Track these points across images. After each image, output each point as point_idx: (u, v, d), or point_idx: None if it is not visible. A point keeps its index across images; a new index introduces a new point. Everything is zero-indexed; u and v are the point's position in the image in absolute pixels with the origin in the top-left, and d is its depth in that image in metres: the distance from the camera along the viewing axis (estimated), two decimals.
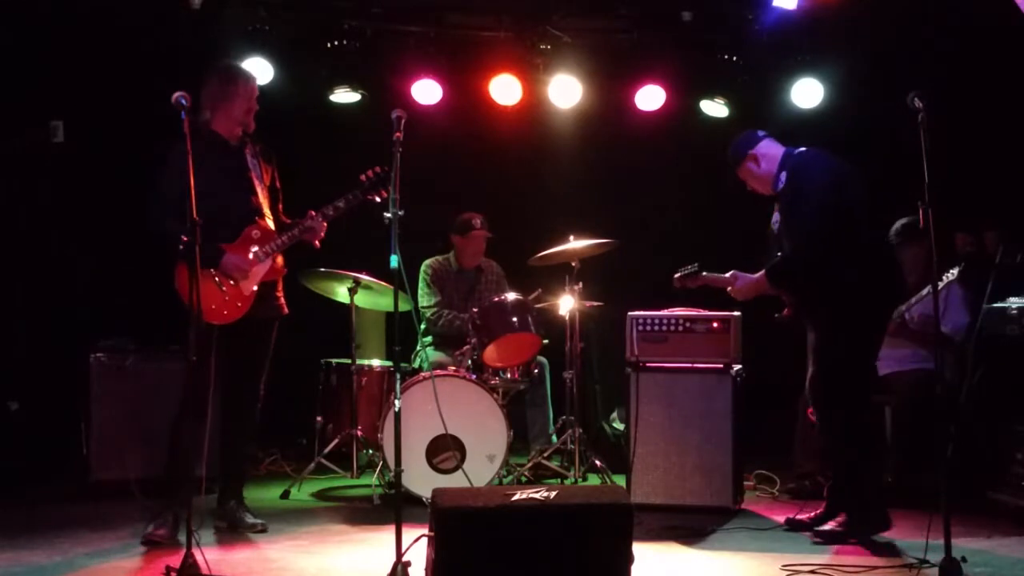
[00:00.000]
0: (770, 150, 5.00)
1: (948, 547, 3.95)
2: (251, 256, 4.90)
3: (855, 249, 4.73)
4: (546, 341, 5.95)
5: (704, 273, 5.07)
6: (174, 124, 4.29)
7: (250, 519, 5.01)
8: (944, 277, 5.60)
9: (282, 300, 5.13)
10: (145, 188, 4.88)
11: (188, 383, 4.75)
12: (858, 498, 4.78)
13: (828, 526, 4.82)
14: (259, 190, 5.02)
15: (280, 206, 5.21)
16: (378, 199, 4.98)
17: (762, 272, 4.92)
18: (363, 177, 4.97)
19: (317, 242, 5.08)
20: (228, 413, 5.06)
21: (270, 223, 5.02)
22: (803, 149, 4.96)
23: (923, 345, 5.86)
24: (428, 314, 6.56)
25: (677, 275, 5.12)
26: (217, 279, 4.83)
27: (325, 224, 5.03)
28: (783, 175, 4.90)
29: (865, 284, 4.73)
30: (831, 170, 4.84)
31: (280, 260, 5.05)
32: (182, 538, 4.68)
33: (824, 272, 4.74)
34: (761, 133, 5.07)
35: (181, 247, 4.38)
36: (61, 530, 4.93)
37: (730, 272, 5.05)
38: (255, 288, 4.91)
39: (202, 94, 4.91)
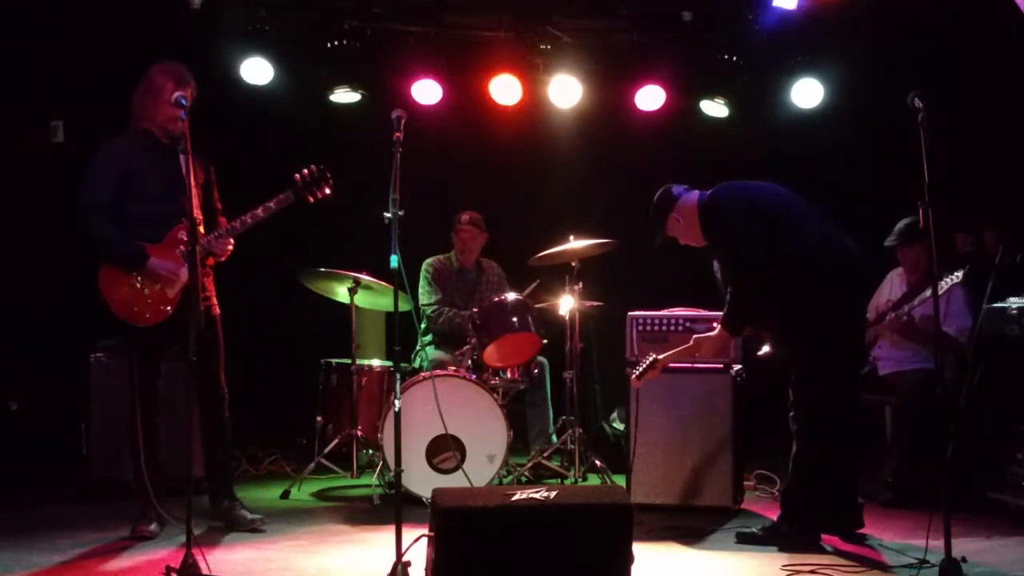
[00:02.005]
0: (688, 203, 4.92)
1: (948, 547, 3.94)
2: (178, 258, 4.83)
3: (791, 263, 4.61)
4: (545, 341, 5.94)
5: (661, 357, 4.93)
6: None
7: (248, 515, 5.00)
8: (948, 280, 5.60)
9: (213, 300, 5.02)
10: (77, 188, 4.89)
11: (133, 384, 4.80)
12: (796, 502, 4.72)
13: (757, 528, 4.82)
14: (191, 190, 4.96)
15: (218, 205, 5.13)
16: (311, 199, 4.94)
17: (719, 326, 4.85)
18: (297, 176, 4.94)
19: (223, 257, 4.97)
20: (200, 415, 5.05)
21: (198, 224, 4.96)
22: (708, 192, 4.90)
23: (927, 345, 5.85)
24: (429, 312, 6.57)
25: (634, 375, 4.97)
26: (139, 281, 4.80)
27: (231, 241, 4.93)
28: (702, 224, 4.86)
29: (815, 296, 4.61)
30: (736, 198, 4.80)
31: (210, 261, 5.00)
32: (172, 535, 4.72)
33: (772, 300, 4.68)
34: (677, 190, 4.98)
35: (182, 247, 4.38)
36: (61, 530, 4.93)
37: (692, 339, 4.94)
38: (179, 291, 4.83)
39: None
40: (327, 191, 4.97)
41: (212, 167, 5.11)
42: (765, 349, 5.32)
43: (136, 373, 4.85)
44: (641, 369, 4.94)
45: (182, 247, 4.83)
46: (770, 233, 4.65)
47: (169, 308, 4.82)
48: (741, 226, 4.68)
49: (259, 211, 4.90)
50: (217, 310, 5.04)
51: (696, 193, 4.94)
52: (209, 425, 5.04)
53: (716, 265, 4.98)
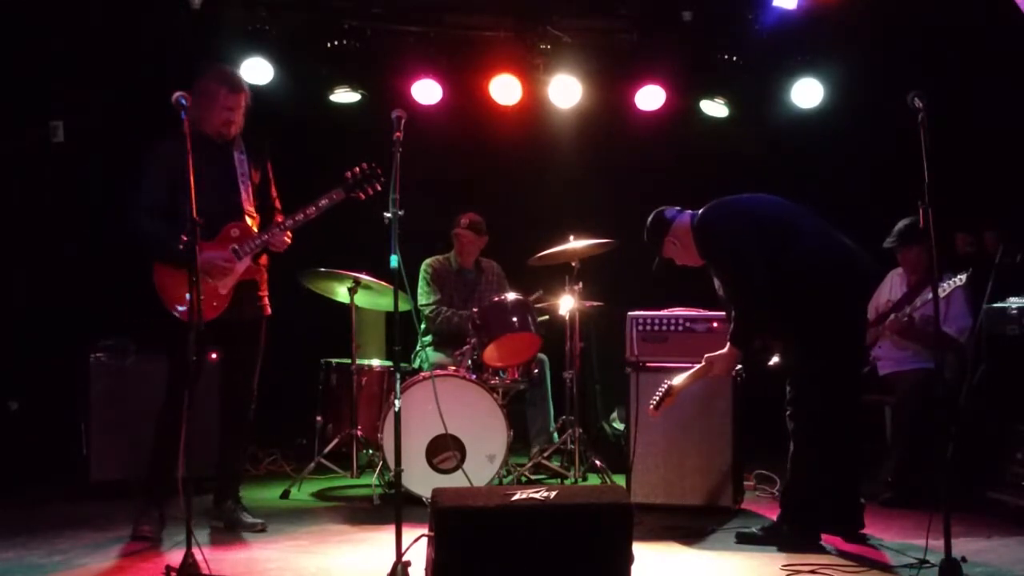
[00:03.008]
0: (682, 226, 4.92)
1: (948, 547, 3.94)
2: (230, 254, 4.86)
3: (791, 270, 4.61)
4: (543, 336, 5.93)
5: (676, 384, 4.89)
6: (174, 124, 4.31)
7: (249, 519, 5.01)
8: (952, 282, 5.59)
9: (265, 300, 5.08)
10: (129, 188, 4.89)
11: (170, 382, 4.79)
12: (796, 502, 4.72)
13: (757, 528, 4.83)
14: (243, 189, 4.96)
15: (276, 203, 5.18)
16: (362, 196, 4.95)
17: (728, 344, 4.83)
18: (348, 174, 4.94)
19: (281, 250, 4.99)
20: (224, 414, 5.06)
21: (251, 222, 4.98)
22: (699, 213, 4.90)
23: (928, 346, 5.83)
24: (427, 312, 6.57)
25: (651, 407, 4.93)
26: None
27: (288, 235, 4.95)
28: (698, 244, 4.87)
29: (815, 298, 4.61)
30: (731, 215, 4.81)
31: (263, 260, 5.02)
32: (172, 535, 4.72)
33: (774, 306, 4.66)
34: (670, 213, 4.99)
35: (181, 247, 4.39)
36: (61, 530, 4.93)
37: (703, 359, 4.89)
38: (232, 287, 4.88)
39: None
40: (378, 188, 4.96)
41: (269, 167, 5.15)
42: (775, 359, 5.32)
43: (178, 371, 4.75)
44: (658, 399, 4.91)
45: (235, 244, 4.87)
46: (768, 244, 4.66)
47: (222, 304, 4.84)
48: (737, 241, 4.70)
49: (311, 209, 4.93)
50: (268, 311, 5.08)
51: (688, 214, 4.96)
52: (231, 424, 5.06)
53: (717, 283, 4.98)
